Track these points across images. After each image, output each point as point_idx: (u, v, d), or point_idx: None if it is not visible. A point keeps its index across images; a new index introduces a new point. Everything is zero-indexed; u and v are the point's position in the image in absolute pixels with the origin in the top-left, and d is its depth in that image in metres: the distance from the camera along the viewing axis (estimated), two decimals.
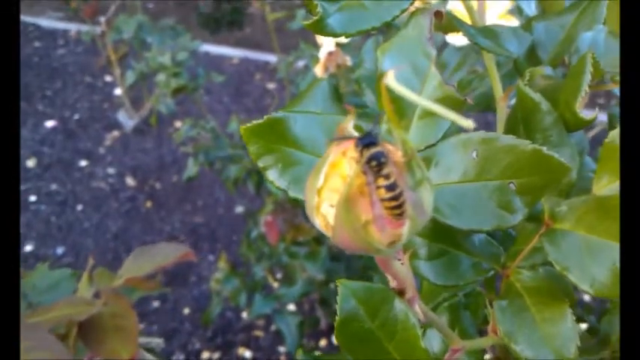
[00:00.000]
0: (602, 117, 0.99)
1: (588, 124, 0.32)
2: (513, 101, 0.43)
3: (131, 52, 2.48)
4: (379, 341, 0.29)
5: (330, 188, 0.22)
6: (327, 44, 1.02)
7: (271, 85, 2.95)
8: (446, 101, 0.29)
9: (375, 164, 0.21)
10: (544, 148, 0.28)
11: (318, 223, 0.23)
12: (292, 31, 1.51)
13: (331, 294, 1.69)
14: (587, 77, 0.31)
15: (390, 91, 0.21)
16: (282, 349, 2.02)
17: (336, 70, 1.01)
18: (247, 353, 2.00)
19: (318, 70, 1.02)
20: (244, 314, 2.07)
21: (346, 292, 0.29)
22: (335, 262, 1.58)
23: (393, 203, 0.21)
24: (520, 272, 0.35)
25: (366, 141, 0.22)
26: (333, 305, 1.77)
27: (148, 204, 2.42)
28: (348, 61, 1.01)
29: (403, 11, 0.32)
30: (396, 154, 0.22)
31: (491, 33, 0.41)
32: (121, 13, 2.42)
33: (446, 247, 0.35)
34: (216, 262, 2.18)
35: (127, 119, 2.70)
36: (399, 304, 0.29)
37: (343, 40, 1.03)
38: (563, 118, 0.33)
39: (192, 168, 1.51)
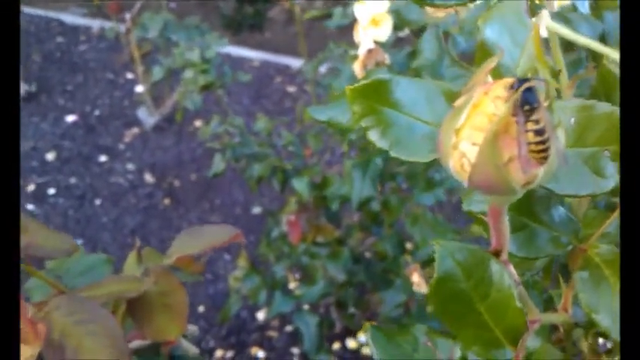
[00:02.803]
0: None
1: None
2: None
3: (154, 50, 2.50)
4: (471, 302, 0.29)
5: (473, 126, 0.22)
6: (365, 42, 1.03)
7: (291, 89, 2.96)
8: (540, 70, 0.30)
9: (528, 108, 0.22)
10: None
11: (452, 163, 0.23)
12: (317, 35, 1.52)
13: (349, 297, 1.70)
14: None
15: (487, 52, 0.22)
16: (295, 350, 2.02)
17: (375, 68, 1.01)
18: (260, 353, 2.01)
19: (357, 68, 1.03)
20: (259, 314, 2.07)
21: (444, 252, 0.29)
22: (355, 265, 1.58)
23: (540, 147, 0.22)
24: (597, 246, 0.35)
25: (522, 84, 0.22)
26: (350, 308, 1.78)
27: (166, 201, 2.43)
28: (387, 59, 1.02)
29: None
30: (543, 96, 0.23)
31: (566, 18, 0.42)
32: (146, 11, 2.45)
33: (527, 221, 0.35)
34: (232, 262, 2.18)
35: (148, 116, 2.72)
36: (495, 265, 0.29)
37: (382, 38, 1.04)
38: None
39: (219, 164, 1.52)
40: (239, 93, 2.87)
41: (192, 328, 0.88)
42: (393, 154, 0.29)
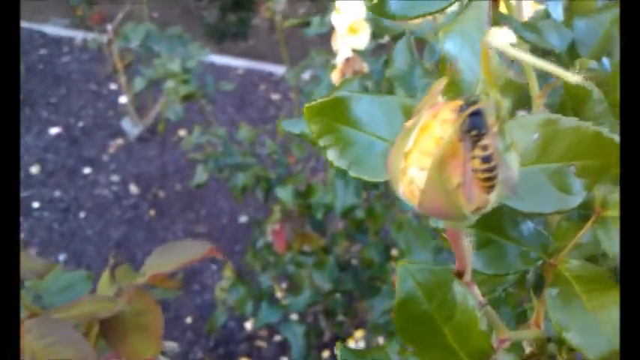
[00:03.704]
0: None
1: None
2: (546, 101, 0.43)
3: (137, 60, 2.49)
4: (435, 324, 0.29)
5: (422, 151, 0.21)
6: (343, 51, 1.02)
7: (275, 96, 2.95)
8: (506, 85, 0.29)
9: (475, 134, 0.21)
10: (605, 130, 0.28)
11: (402, 188, 0.23)
12: (299, 42, 1.51)
13: (337, 305, 1.69)
14: None
15: (450, 67, 0.21)
16: (284, 359, 2.00)
17: (353, 77, 1.01)
18: None
19: (335, 77, 1.02)
20: (247, 324, 2.06)
21: (405, 273, 0.28)
22: (342, 273, 1.58)
23: (486, 175, 0.21)
24: (567, 261, 0.35)
25: (470, 108, 0.21)
26: (338, 316, 1.77)
27: (152, 212, 2.41)
28: (365, 67, 1.01)
29: None
30: (493, 121, 0.22)
31: (534, 27, 0.41)
32: (128, 21, 2.43)
33: (494, 237, 0.34)
34: (219, 272, 2.17)
35: (132, 127, 2.70)
36: (458, 286, 0.28)
37: (360, 46, 1.03)
38: (613, 107, 0.33)
39: (201, 174, 1.51)
40: (223, 101, 2.86)
41: (172, 345, 0.86)
42: (352, 173, 0.28)
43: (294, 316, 1.80)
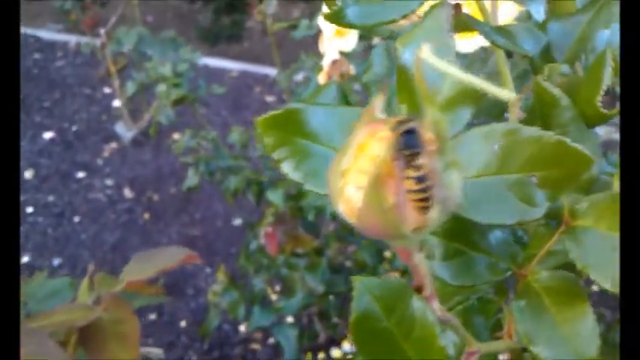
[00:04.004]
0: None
1: (609, 119, 0.32)
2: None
3: (130, 64, 2.48)
4: (395, 340, 0.28)
5: (358, 170, 0.21)
6: (330, 53, 1.02)
7: (270, 98, 2.95)
8: (467, 95, 0.29)
9: (409, 153, 0.20)
10: (568, 140, 0.27)
11: (342, 207, 0.22)
12: (292, 44, 1.51)
13: (331, 306, 1.68)
14: (609, 70, 0.31)
15: (408, 77, 0.20)
16: None
17: (340, 79, 1.00)
18: None
19: (322, 79, 1.02)
20: (242, 327, 2.05)
21: (361, 288, 0.28)
22: (335, 275, 1.57)
23: (420, 196, 0.21)
24: (537, 272, 0.34)
25: (404, 126, 0.21)
26: (333, 318, 1.76)
27: (146, 216, 2.40)
28: (352, 69, 1.01)
29: (421, 4, 0.31)
30: (430, 139, 0.21)
31: (507, 32, 0.40)
32: (121, 25, 2.42)
33: (462, 247, 0.34)
34: (213, 275, 2.16)
35: (125, 131, 2.69)
36: (416, 302, 0.28)
37: (347, 48, 1.02)
38: (583, 114, 0.32)
39: (192, 178, 1.50)
40: (217, 104, 2.85)
41: (157, 352, 0.86)
42: (307, 187, 0.27)
43: (289, 319, 1.80)
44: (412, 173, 0.20)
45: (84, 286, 0.65)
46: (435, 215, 0.21)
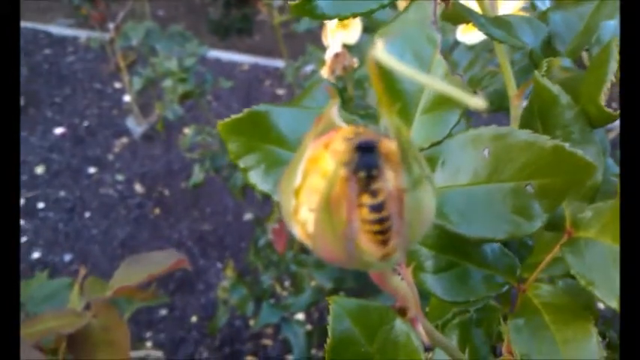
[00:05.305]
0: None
1: (614, 120, 0.29)
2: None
3: (139, 59, 2.47)
4: None
5: (310, 188, 0.17)
6: (333, 46, 0.99)
7: (281, 91, 2.92)
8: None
9: (364, 175, 0.17)
10: (566, 145, 0.24)
11: (296, 230, 0.19)
12: (302, 37, 1.48)
13: None
14: (613, 66, 0.28)
15: (385, 73, 0.17)
16: (290, 357, 1.98)
17: (343, 73, 0.97)
18: None
19: (325, 73, 0.99)
20: (252, 323, 2.03)
21: (339, 311, 0.25)
22: (344, 271, 1.55)
23: (376, 227, 0.17)
24: (538, 287, 0.31)
25: (361, 138, 0.17)
26: None
27: (157, 211, 2.39)
28: (356, 62, 0.98)
29: None
30: (392, 154, 0.17)
31: (504, 23, 0.37)
32: (130, 19, 2.41)
33: (455, 259, 0.31)
34: (224, 270, 2.15)
35: (136, 126, 2.68)
36: (399, 325, 0.25)
37: (350, 41, 0.99)
38: (585, 113, 0.29)
39: (198, 174, 1.48)
40: (228, 98, 2.83)
41: (156, 354, 0.84)
42: (276, 198, 0.25)
43: (299, 315, 1.78)
44: (368, 200, 0.17)
45: (75, 291, 0.63)
46: (402, 241, 0.17)
